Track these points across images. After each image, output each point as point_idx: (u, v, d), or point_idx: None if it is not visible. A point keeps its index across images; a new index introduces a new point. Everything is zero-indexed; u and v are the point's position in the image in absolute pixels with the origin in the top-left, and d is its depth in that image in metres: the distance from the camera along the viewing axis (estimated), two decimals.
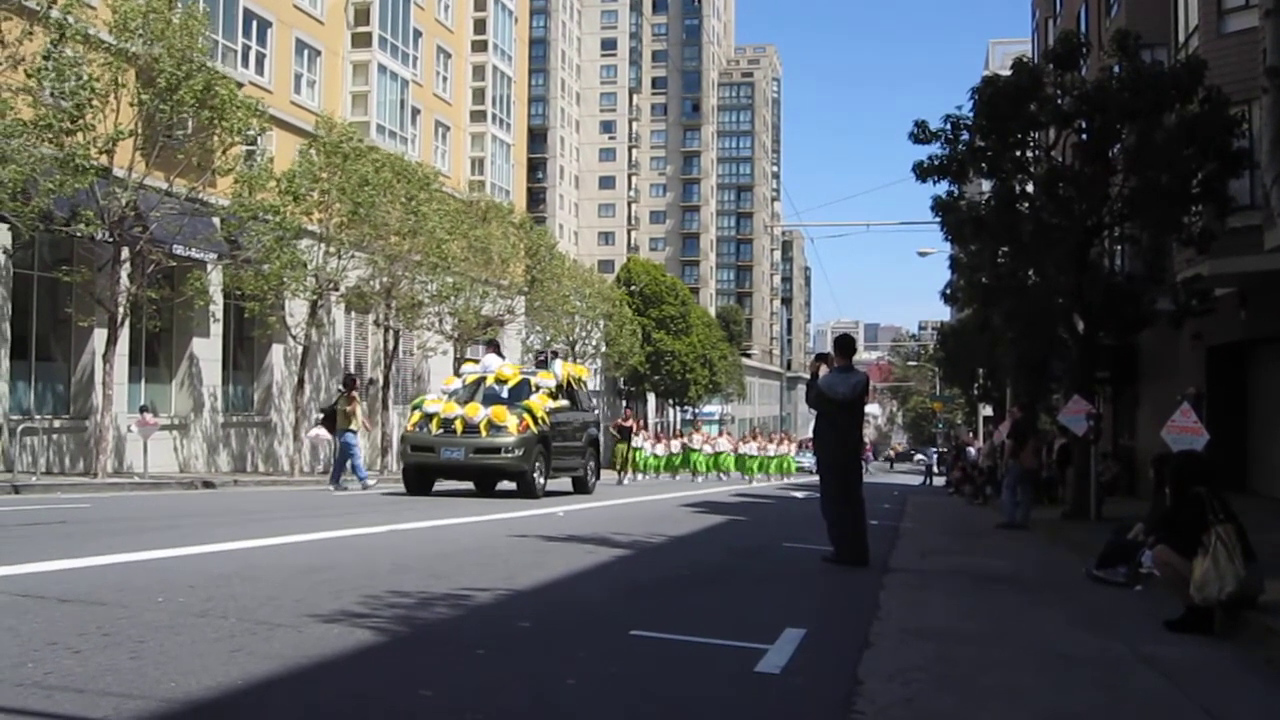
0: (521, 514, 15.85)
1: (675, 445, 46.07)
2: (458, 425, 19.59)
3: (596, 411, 25.51)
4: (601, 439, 36.77)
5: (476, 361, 23.80)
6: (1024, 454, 20.35)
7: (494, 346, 23.83)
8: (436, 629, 6.23)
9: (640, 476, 39.36)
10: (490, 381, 21.38)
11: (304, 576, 7.76)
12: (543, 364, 23.33)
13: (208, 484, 22.08)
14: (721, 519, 18.22)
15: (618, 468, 35.81)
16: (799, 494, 30.59)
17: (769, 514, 21.08)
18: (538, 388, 21.11)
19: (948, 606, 8.92)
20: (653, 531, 14.10)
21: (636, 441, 39.72)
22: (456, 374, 24.15)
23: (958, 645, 6.93)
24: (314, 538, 10.72)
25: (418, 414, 20.38)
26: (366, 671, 5.08)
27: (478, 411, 19.68)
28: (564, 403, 21.56)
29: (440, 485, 20.89)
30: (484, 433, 19.45)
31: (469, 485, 21.49)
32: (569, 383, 22.53)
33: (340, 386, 25.11)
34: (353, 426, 22.83)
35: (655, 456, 43.72)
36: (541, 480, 20.13)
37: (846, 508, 11.19)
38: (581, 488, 22.96)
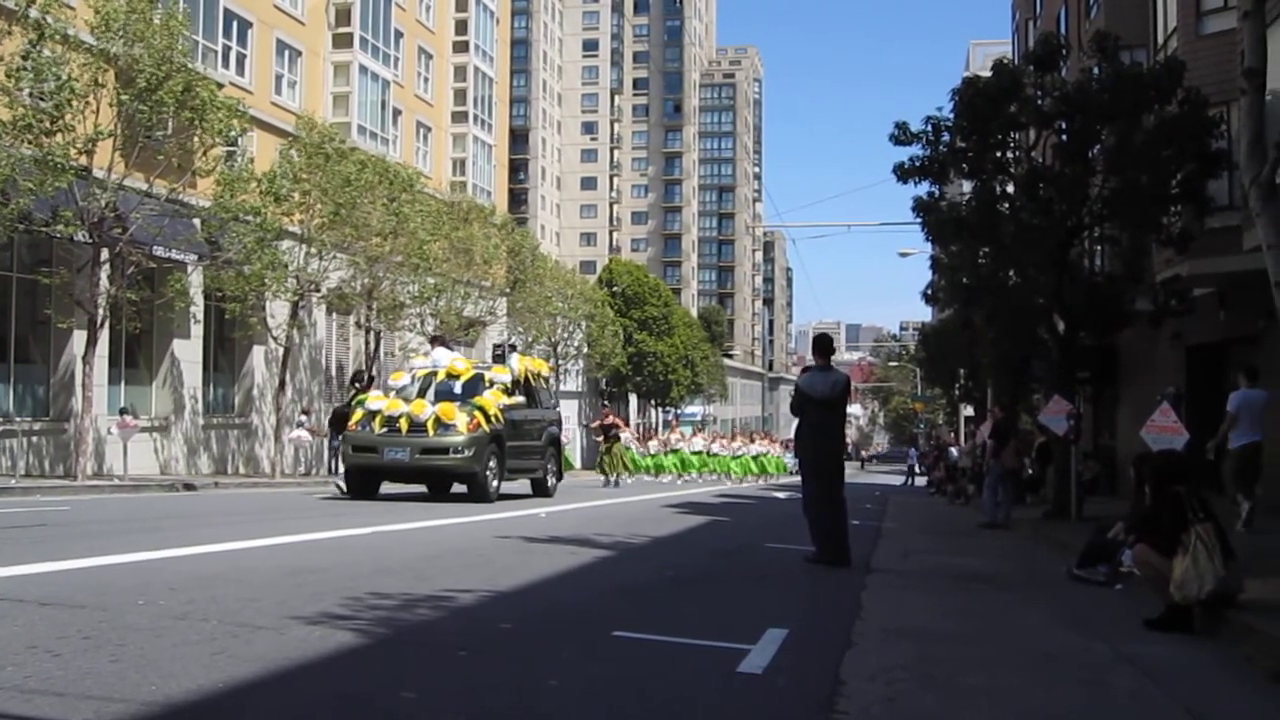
0: (503, 515, 15.84)
1: (653, 445, 45.27)
2: (402, 424, 18.22)
3: (558, 409, 24.24)
4: (580, 438, 36.22)
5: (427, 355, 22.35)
6: (1005, 454, 20.42)
7: (441, 340, 22.34)
8: (418, 630, 6.22)
9: (629, 478, 37.19)
10: (441, 377, 19.98)
11: (286, 578, 7.74)
12: (500, 358, 22.22)
13: (188, 486, 21.99)
14: (703, 519, 18.23)
15: (604, 470, 34.17)
16: (780, 494, 30.61)
17: (751, 514, 21.09)
18: (491, 383, 19.82)
19: (929, 606, 8.93)
20: (635, 532, 14.10)
21: (624, 441, 38.08)
22: (404, 369, 22.65)
23: (939, 645, 6.94)
24: (296, 539, 10.69)
25: (360, 411, 19.17)
26: (348, 674, 5.07)
27: (424, 409, 18.33)
28: (520, 399, 20.30)
29: (389, 488, 19.86)
30: (431, 431, 18.10)
31: (420, 488, 20.13)
32: (526, 378, 21.22)
33: (353, 384, 24.28)
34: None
35: (645, 456, 42.77)
36: (495, 483, 18.83)
37: (828, 508, 11.20)
38: (541, 490, 21.55)
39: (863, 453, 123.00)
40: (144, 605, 6.29)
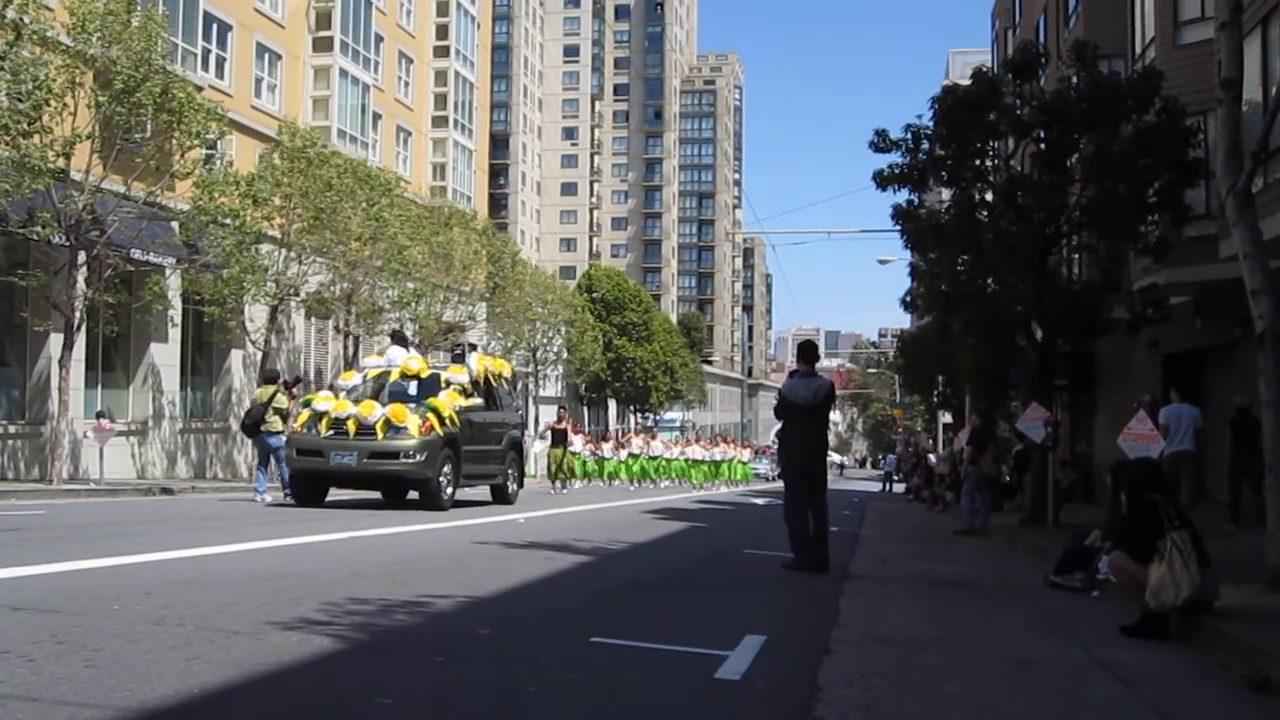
0: (481, 520, 15.83)
1: (606, 448, 42.85)
2: (350, 426, 17.12)
3: (520, 412, 23.19)
4: (538, 444, 34.79)
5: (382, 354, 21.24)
6: (983, 460, 20.50)
7: (398, 338, 21.23)
8: (396, 636, 6.20)
9: (578, 484, 35.72)
10: (395, 377, 18.92)
11: (263, 583, 7.70)
12: (459, 358, 20.93)
13: (166, 490, 21.86)
14: (682, 525, 18.23)
15: (552, 475, 31.89)
16: (759, 500, 30.64)
17: (730, 520, 21.10)
18: (448, 384, 18.75)
19: (907, 612, 8.95)
20: (614, 538, 14.09)
21: (575, 447, 36.30)
22: (356, 369, 21.67)
23: (917, 651, 6.95)
24: (273, 544, 10.65)
25: (306, 413, 17.95)
26: (325, 679, 5.05)
27: (373, 410, 17.25)
28: (478, 401, 19.21)
29: (343, 495, 18.92)
30: (380, 435, 17.01)
31: (375, 495, 19.06)
32: (486, 379, 20.12)
33: (286, 383, 21.22)
34: (282, 428, 19.57)
35: (600, 461, 40.84)
36: (450, 489, 17.81)
37: (810, 513, 11.21)
38: (501, 497, 20.53)
39: (840, 459, 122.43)
40: (119, 610, 6.25)
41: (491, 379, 20.49)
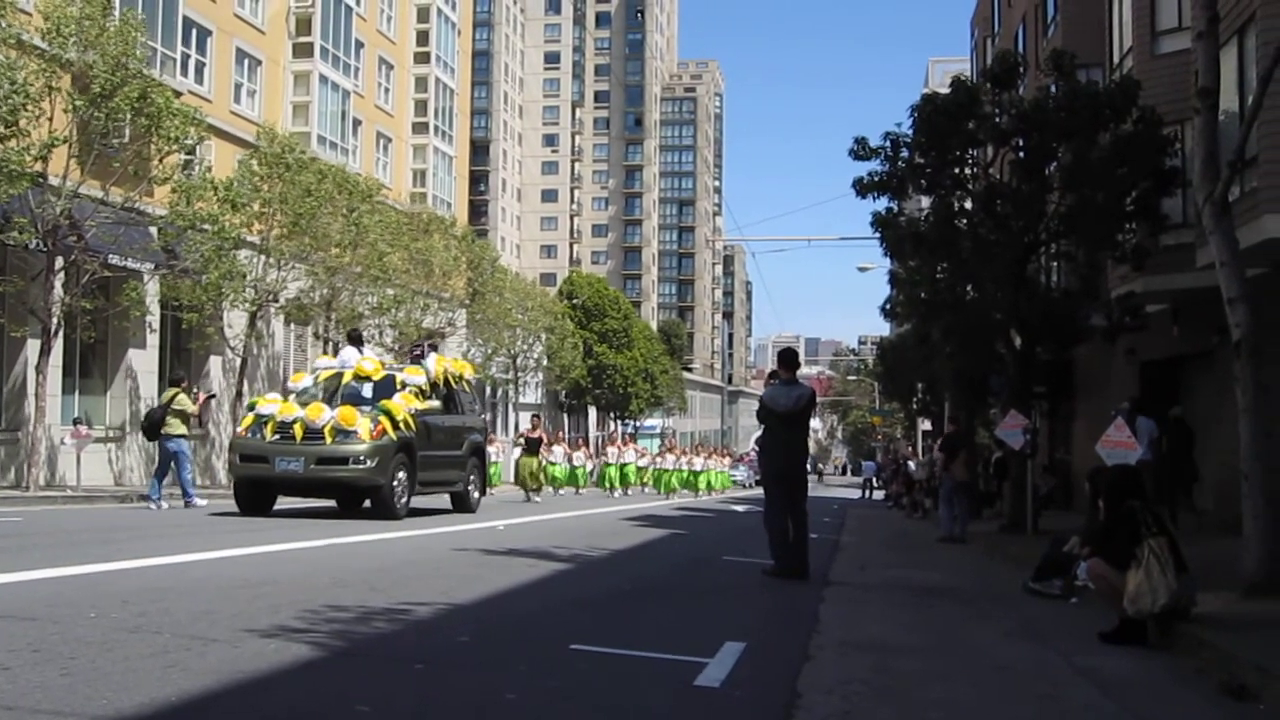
0: (461, 528, 15.79)
1: (579, 456, 41.62)
2: (297, 430, 16.08)
3: (484, 416, 21.92)
4: (504, 449, 33.78)
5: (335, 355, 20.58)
6: (954, 466, 20.53)
7: (354, 338, 20.03)
8: (375, 644, 6.18)
9: (559, 493, 35.71)
10: (348, 379, 17.87)
11: (240, 591, 7.67)
12: (417, 359, 19.96)
13: (143, 497, 21.69)
14: (662, 532, 18.23)
15: (524, 483, 30.33)
16: (739, 508, 30.66)
17: (710, 527, 21.12)
18: (404, 385, 17.69)
19: (887, 619, 8.97)
20: (593, 545, 14.08)
21: (553, 455, 36.79)
22: (309, 370, 20.45)
23: (896, 658, 6.97)
24: (251, 551, 10.60)
25: (250, 416, 17.01)
26: (303, 687, 5.03)
27: (321, 413, 16.17)
28: (436, 404, 18.19)
29: (294, 503, 18.08)
30: (328, 439, 15.98)
31: (330, 503, 18.04)
32: (446, 381, 19.13)
33: (193, 389, 20.62)
34: (185, 431, 19.01)
35: (570, 468, 39.64)
36: (404, 497, 16.80)
37: (790, 520, 11.23)
38: (462, 505, 19.49)
39: (820, 466, 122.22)
40: (96, 618, 6.21)
41: (451, 381, 19.52)
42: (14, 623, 5.93)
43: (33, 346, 22.66)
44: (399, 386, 17.62)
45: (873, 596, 10.59)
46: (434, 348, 21.48)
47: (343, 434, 16.05)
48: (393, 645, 6.21)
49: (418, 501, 18.14)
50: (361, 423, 16.13)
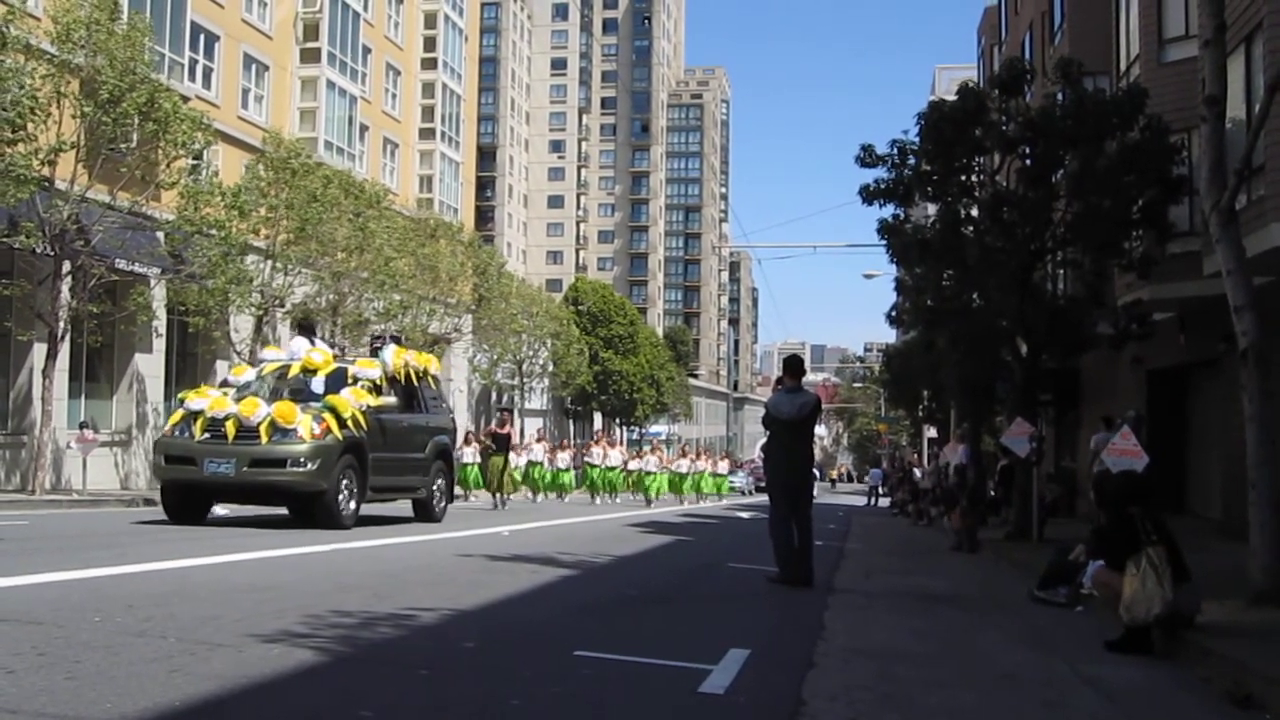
0: (465, 534, 15.78)
1: (562, 459, 39.30)
2: (229, 428, 14.28)
3: (451, 414, 20.37)
4: (473, 448, 31.92)
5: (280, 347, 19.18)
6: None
7: (305, 327, 18.44)
8: (379, 649, 6.17)
9: (539, 497, 35.13)
10: (295, 371, 16.01)
11: (245, 595, 7.67)
12: (375, 350, 17.97)
13: (149, 501, 21.72)
14: (667, 539, 18.21)
15: (491, 487, 28.37)
16: (744, 514, 30.64)
17: (714, 534, 21.10)
18: (355, 380, 15.69)
19: (892, 626, 8.96)
20: (598, 551, 14.07)
21: (535, 455, 36.15)
22: (252, 363, 19.02)
23: (901, 665, 6.96)
24: (256, 556, 10.59)
25: (179, 412, 15.18)
26: (308, 692, 5.03)
27: (256, 409, 14.34)
28: (393, 400, 16.11)
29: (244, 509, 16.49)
30: (264, 438, 14.20)
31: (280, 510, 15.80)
32: (406, 375, 17.11)
33: None
34: None
35: (554, 471, 38.00)
36: (352, 504, 14.92)
37: (794, 527, 11.21)
38: (425, 513, 17.69)
39: (831, 474, 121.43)
40: (100, 622, 6.21)
41: (413, 375, 17.47)
42: (19, 626, 5.94)
43: (39, 350, 22.71)
44: (350, 381, 15.64)
45: (878, 604, 10.57)
46: (396, 339, 19.82)
47: (280, 433, 14.29)
48: (397, 650, 6.20)
49: (379, 510, 17.18)
50: (302, 420, 14.33)
